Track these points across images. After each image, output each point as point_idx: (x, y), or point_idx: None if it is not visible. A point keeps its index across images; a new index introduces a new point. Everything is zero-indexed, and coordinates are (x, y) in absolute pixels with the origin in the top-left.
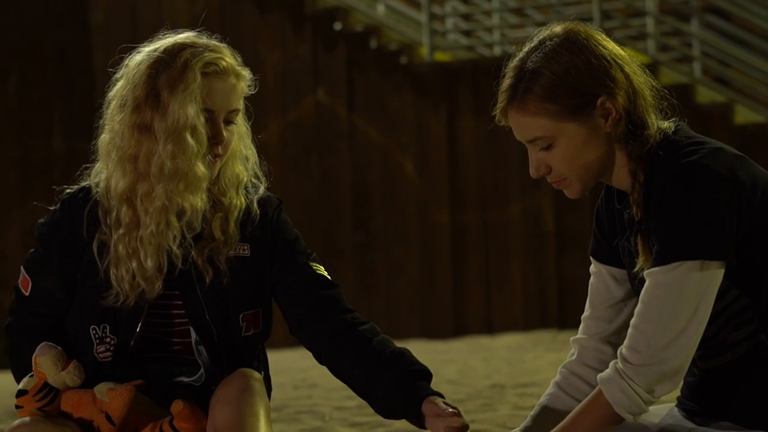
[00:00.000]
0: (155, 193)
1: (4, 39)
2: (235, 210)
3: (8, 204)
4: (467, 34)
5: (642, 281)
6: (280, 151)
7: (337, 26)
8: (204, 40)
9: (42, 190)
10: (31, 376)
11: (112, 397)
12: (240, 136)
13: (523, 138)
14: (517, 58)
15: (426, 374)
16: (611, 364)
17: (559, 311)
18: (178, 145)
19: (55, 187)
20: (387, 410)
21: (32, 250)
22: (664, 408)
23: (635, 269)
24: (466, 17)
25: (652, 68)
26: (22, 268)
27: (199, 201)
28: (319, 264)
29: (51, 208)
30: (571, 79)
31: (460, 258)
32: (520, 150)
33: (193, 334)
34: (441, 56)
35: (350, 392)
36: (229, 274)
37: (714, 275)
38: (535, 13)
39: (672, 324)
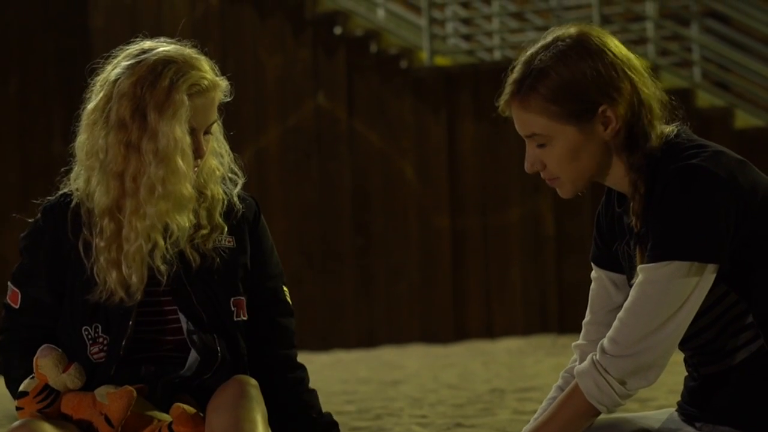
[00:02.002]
0: (144, 211)
1: (4, 42)
2: (218, 203)
3: (8, 206)
4: (467, 38)
5: None
6: (281, 156)
7: (338, 30)
8: (185, 52)
9: (42, 193)
10: (32, 377)
11: (111, 400)
12: (215, 132)
13: (522, 132)
14: (528, 53)
15: (334, 427)
16: (589, 356)
17: (559, 315)
18: (170, 168)
19: (39, 200)
20: None
21: (18, 263)
22: (664, 413)
23: (635, 278)
24: (466, 22)
25: (651, 73)
26: (9, 283)
27: (186, 221)
28: (285, 285)
29: (30, 220)
30: (577, 84)
31: (460, 262)
32: (519, 155)
33: (185, 325)
34: (441, 60)
35: (350, 397)
36: (217, 262)
37: (704, 278)
38: (535, 18)
39: (651, 319)
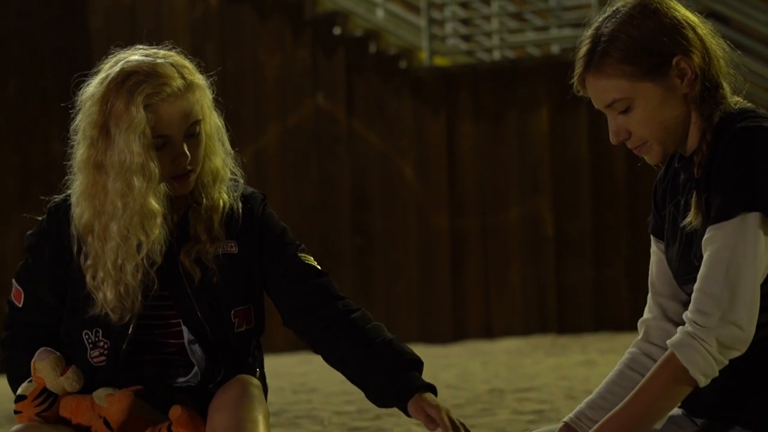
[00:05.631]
0: (110, 231)
1: (3, 43)
2: (218, 209)
3: (7, 209)
4: (466, 38)
5: (687, 237)
6: (280, 156)
7: (337, 31)
8: (150, 59)
9: (41, 195)
10: (30, 381)
11: (110, 403)
12: (211, 133)
13: (602, 103)
14: (592, 27)
15: (417, 363)
16: (679, 329)
17: (558, 316)
18: (127, 184)
19: (43, 197)
20: (379, 399)
21: (22, 262)
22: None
23: (683, 222)
24: (465, 22)
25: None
26: (13, 280)
27: (154, 234)
28: (308, 254)
29: (39, 218)
30: (647, 39)
31: (459, 262)
32: (519, 154)
33: (186, 334)
34: (440, 61)
35: (349, 397)
36: (218, 272)
37: None
38: (534, 18)
39: (737, 286)
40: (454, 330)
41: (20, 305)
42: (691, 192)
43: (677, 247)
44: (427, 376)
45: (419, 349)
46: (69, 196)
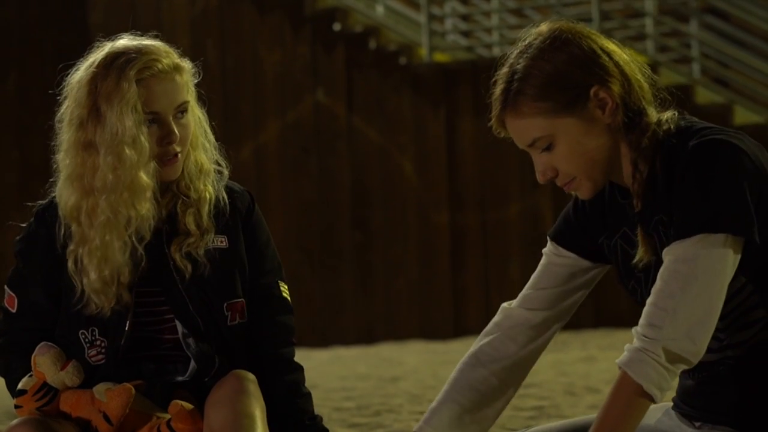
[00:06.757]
0: (99, 207)
1: (3, 38)
2: (205, 202)
3: (7, 205)
4: (466, 34)
5: (645, 269)
6: (279, 152)
7: (337, 27)
8: (136, 42)
9: (41, 191)
10: (31, 375)
11: (110, 397)
12: (195, 124)
13: (523, 142)
14: (506, 65)
15: None
16: (626, 347)
17: None
18: (118, 157)
19: (31, 204)
20: None
21: (13, 267)
22: (660, 409)
23: (635, 260)
24: (465, 18)
25: (651, 69)
26: (6, 287)
27: (143, 209)
28: (284, 282)
29: (23, 225)
30: (560, 73)
31: (459, 258)
32: (519, 150)
33: (180, 328)
34: (440, 57)
35: (349, 393)
36: (210, 266)
37: (735, 253)
38: (534, 14)
39: (694, 299)
40: (454, 326)
41: (14, 311)
42: (638, 221)
43: (636, 275)
44: (427, 372)
45: (419, 345)
46: (54, 197)
